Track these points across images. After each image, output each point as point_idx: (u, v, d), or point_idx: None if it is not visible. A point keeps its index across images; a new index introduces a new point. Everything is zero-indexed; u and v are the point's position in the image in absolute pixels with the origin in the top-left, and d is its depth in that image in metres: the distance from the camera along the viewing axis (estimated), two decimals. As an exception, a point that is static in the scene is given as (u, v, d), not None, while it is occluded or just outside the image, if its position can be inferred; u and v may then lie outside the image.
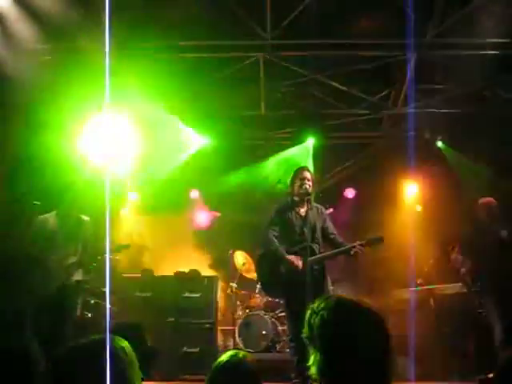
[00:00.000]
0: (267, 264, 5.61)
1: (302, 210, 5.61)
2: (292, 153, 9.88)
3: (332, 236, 5.65)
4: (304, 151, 9.72)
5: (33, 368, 2.53)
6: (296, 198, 5.65)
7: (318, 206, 5.79)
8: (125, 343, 1.85)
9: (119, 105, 8.57)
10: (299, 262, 5.34)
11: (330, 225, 5.74)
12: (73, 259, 5.81)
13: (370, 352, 1.74)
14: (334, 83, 8.70)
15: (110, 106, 8.06)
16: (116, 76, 7.83)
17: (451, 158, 9.60)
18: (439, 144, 9.51)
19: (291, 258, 5.36)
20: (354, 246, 5.32)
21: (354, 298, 1.89)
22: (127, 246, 6.12)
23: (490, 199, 6.22)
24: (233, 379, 2.49)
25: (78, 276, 5.89)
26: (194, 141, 9.62)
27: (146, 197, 10.26)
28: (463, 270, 6.08)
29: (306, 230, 5.46)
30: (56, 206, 6.07)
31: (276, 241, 5.51)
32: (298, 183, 5.62)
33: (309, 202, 5.51)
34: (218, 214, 10.58)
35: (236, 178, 10.24)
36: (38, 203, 5.77)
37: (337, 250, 5.51)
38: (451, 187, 9.50)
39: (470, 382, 6.78)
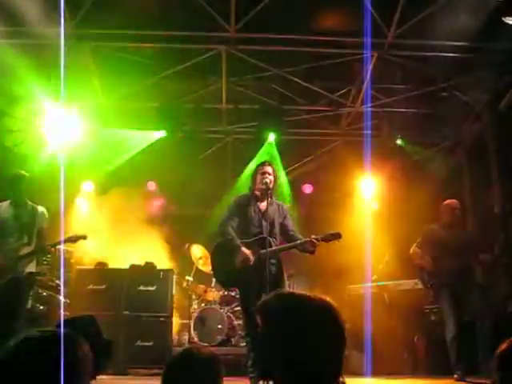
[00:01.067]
0: (222, 254, 5.56)
1: (262, 205, 5.58)
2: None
3: (291, 233, 5.62)
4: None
5: None
6: (257, 193, 5.62)
7: (279, 202, 5.79)
8: (78, 336, 1.79)
9: (76, 94, 8.43)
10: (252, 258, 5.31)
11: (289, 222, 5.72)
12: (26, 250, 5.64)
13: (320, 344, 1.73)
14: (295, 79, 8.73)
15: (65, 96, 7.92)
16: (73, 67, 7.78)
17: (413, 154, 9.73)
18: (399, 142, 9.61)
19: (246, 251, 5.32)
20: (310, 240, 5.32)
21: (309, 292, 1.89)
22: (83, 237, 5.96)
23: (454, 201, 6.39)
24: (189, 370, 2.45)
25: (30, 267, 5.72)
26: (150, 133, 9.49)
27: (102, 187, 10.08)
28: (422, 264, 6.20)
29: (264, 224, 5.45)
30: (10, 195, 5.89)
31: (232, 232, 5.47)
32: (259, 177, 5.59)
33: (269, 196, 5.49)
34: (174, 207, 10.46)
35: (193, 171, 10.15)
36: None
37: (293, 243, 5.48)
38: (408, 185, 9.68)
39: (420, 377, 6.94)
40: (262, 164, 5.71)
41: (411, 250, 6.39)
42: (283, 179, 9.55)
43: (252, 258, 5.31)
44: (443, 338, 6.15)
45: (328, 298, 1.85)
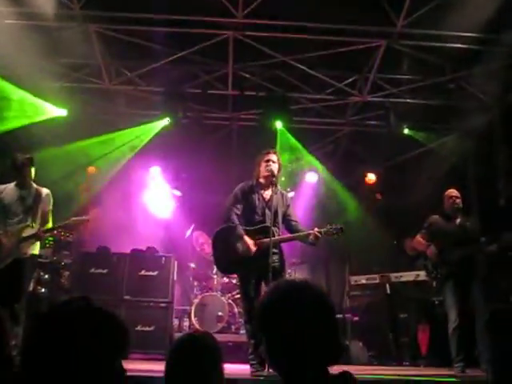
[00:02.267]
0: (224, 240, 5.53)
1: (266, 193, 5.54)
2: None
3: (293, 223, 5.59)
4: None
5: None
6: (261, 181, 5.58)
7: (283, 191, 5.74)
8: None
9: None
10: (253, 248, 5.28)
11: (292, 211, 5.69)
12: (29, 231, 5.64)
13: (313, 329, 1.76)
14: (302, 66, 8.67)
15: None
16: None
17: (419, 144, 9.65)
18: (406, 131, 9.52)
19: (248, 241, 5.30)
20: (313, 233, 5.29)
21: (309, 280, 1.91)
22: (86, 220, 5.95)
23: (454, 190, 6.33)
24: (194, 353, 2.49)
25: (33, 250, 5.72)
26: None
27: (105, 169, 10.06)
28: (426, 253, 6.16)
29: (267, 212, 5.42)
30: (15, 177, 5.87)
31: (236, 219, 5.45)
32: (263, 165, 5.54)
33: (273, 185, 5.45)
34: (179, 193, 10.43)
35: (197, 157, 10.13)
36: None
37: (296, 235, 5.46)
38: (412, 175, 9.63)
39: (421, 367, 6.96)
40: (267, 152, 5.66)
41: (415, 239, 6.34)
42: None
43: (253, 248, 5.28)
44: (446, 330, 6.13)
45: (315, 283, 1.89)
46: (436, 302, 7.52)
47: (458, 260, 5.90)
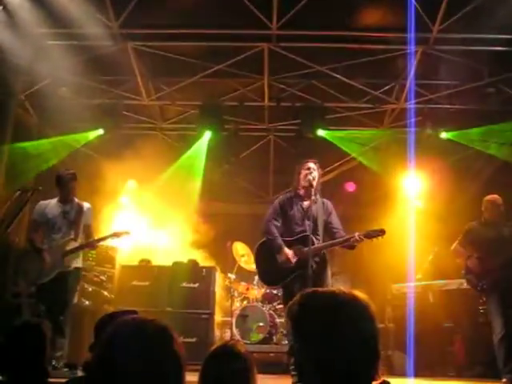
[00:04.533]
0: (266, 253, 5.55)
1: (306, 203, 5.52)
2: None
3: (335, 230, 5.53)
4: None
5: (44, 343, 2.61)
6: (300, 191, 5.57)
7: (324, 200, 5.69)
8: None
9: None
10: (293, 259, 5.28)
11: (334, 220, 5.63)
12: (72, 245, 5.78)
13: (350, 342, 1.69)
14: (337, 76, 8.66)
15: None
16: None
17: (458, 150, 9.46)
18: (443, 135, 9.37)
19: (288, 252, 5.29)
20: (353, 237, 5.25)
21: (351, 290, 1.86)
22: (127, 233, 6.07)
23: (496, 196, 6.13)
24: (225, 364, 2.52)
25: (77, 263, 5.86)
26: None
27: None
28: (468, 266, 5.97)
29: (307, 222, 5.39)
30: (59, 192, 6.05)
31: (276, 231, 5.45)
32: (302, 174, 5.53)
33: (313, 194, 5.42)
34: (217, 204, 10.50)
35: (236, 169, 10.20)
36: (41, 188, 5.72)
37: (336, 240, 5.38)
38: (453, 182, 9.46)
39: (465, 378, 6.79)
40: (307, 161, 5.64)
41: (452, 247, 6.18)
42: None
43: (294, 259, 5.28)
44: (490, 340, 5.97)
45: (361, 294, 1.83)
46: (481, 311, 7.34)
47: (500, 266, 5.73)
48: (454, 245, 6.14)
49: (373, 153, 10.41)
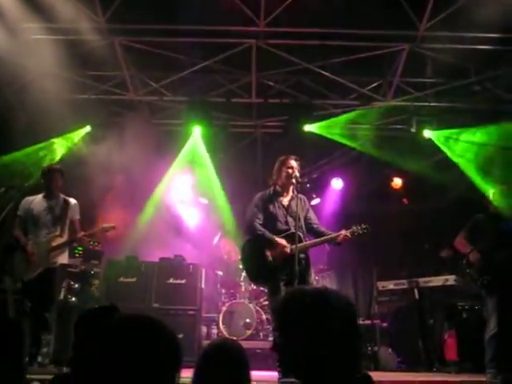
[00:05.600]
0: (253, 250, 5.56)
1: (285, 200, 5.57)
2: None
3: (315, 226, 5.61)
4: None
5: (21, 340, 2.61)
6: (278, 188, 5.59)
7: (301, 196, 5.69)
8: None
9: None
10: (288, 246, 5.30)
11: (312, 215, 5.70)
12: (58, 241, 5.75)
13: (333, 337, 1.75)
14: (325, 73, 8.68)
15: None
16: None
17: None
18: (427, 134, 9.42)
19: (282, 241, 5.32)
20: (340, 234, 5.31)
21: (337, 288, 1.90)
22: (113, 227, 6.05)
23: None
24: (222, 359, 2.54)
25: (62, 259, 5.83)
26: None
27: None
28: (470, 259, 5.87)
29: (289, 219, 5.43)
30: (44, 188, 6.00)
31: (261, 227, 5.46)
32: (284, 172, 5.55)
33: (293, 191, 5.46)
34: (206, 201, 10.50)
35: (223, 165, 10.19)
36: (27, 185, 5.70)
37: (324, 238, 5.45)
38: (440, 180, 9.51)
39: (450, 373, 6.86)
40: (287, 158, 5.65)
41: (456, 239, 6.09)
42: None
43: (288, 245, 5.30)
44: (475, 336, 5.98)
45: (344, 292, 1.87)
46: (466, 307, 7.41)
47: (504, 261, 5.62)
48: (458, 237, 6.06)
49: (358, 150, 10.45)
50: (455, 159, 9.24)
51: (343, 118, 9.43)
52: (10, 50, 7.47)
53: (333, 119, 9.44)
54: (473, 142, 9.06)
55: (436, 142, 9.42)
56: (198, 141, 9.90)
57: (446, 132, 9.35)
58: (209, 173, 10.21)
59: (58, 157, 9.10)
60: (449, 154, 9.35)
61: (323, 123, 9.44)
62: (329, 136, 9.58)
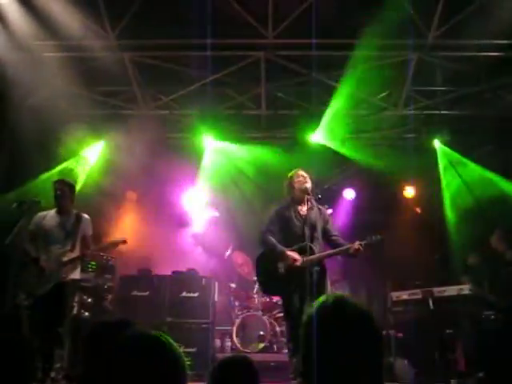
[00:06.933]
0: (266, 263, 5.56)
1: (303, 210, 5.56)
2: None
3: (334, 237, 5.59)
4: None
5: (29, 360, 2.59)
6: (296, 198, 5.60)
7: (320, 206, 5.73)
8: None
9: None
10: (299, 258, 5.29)
11: (331, 226, 5.69)
12: (70, 256, 5.76)
13: (356, 350, 1.72)
14: (334, 83, 8.66)
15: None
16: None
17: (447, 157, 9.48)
18: (437, 144, 9.38)
19: (292, 254, 5.33)
20: (353, 246, 5.29)
21: (351, 298, 1.88)
22: (123, 241, 6.06)
23: None
24: (233, 375, 2.54)
25: (74, 274, 5.84)
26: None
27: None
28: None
29: (306, 229, 5.42)
30: (56, 203, 6.03)
31: (274, 240, 5.46)
32: (297, 182, 5.57)
33: (309, 201, 5.47)
34: (217, 214, 10.49)
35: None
36: (39, 200, 5.72)
37: (337, 249, 5.45)
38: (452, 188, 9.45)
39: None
40: (295, 171, 5.70)
41: (492, 240, 6.03)
42: None
43: (299, 258, 5.29)
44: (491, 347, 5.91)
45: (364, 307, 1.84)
46: (483, 316, 7.31)
47: None
48: (495, 236, 6.00)
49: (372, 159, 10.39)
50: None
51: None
52: (21, 68, 7.54)
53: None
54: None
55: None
56: (210, 153, 9.91)
57: (451, 155, 9.35)
58: (222, 184, 10.21)
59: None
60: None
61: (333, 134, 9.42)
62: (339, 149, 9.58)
